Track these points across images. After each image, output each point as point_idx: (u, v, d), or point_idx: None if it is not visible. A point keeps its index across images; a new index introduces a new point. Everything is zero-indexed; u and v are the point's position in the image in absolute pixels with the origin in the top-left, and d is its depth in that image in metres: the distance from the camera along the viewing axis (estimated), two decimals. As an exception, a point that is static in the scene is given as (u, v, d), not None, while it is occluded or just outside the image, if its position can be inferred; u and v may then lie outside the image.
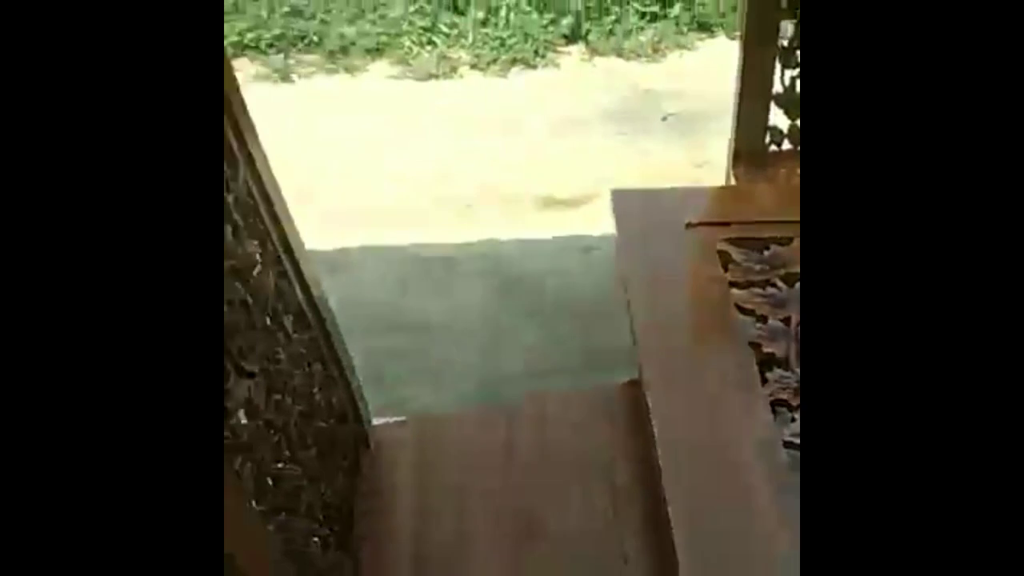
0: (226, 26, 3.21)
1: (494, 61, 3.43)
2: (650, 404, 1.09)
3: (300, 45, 3.42)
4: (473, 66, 3.48)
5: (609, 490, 1.04)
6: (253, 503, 0.73)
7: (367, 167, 2.84)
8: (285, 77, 3.30)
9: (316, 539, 0.87)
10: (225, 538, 0.63)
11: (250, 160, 0.85)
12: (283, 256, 0.91)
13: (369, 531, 0.99)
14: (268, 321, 0.84)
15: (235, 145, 0.83)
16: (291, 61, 3.36)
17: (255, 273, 0.83)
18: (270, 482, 0.77)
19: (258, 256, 0.85)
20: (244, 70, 3.34)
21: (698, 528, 0.81)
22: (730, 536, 0.79)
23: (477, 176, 2.80)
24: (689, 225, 1.11)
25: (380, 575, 0.95)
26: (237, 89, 0.83)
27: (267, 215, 0.88)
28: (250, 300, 0.80)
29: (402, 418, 1.25)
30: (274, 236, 0.89)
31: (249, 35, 3.42)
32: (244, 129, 0.84)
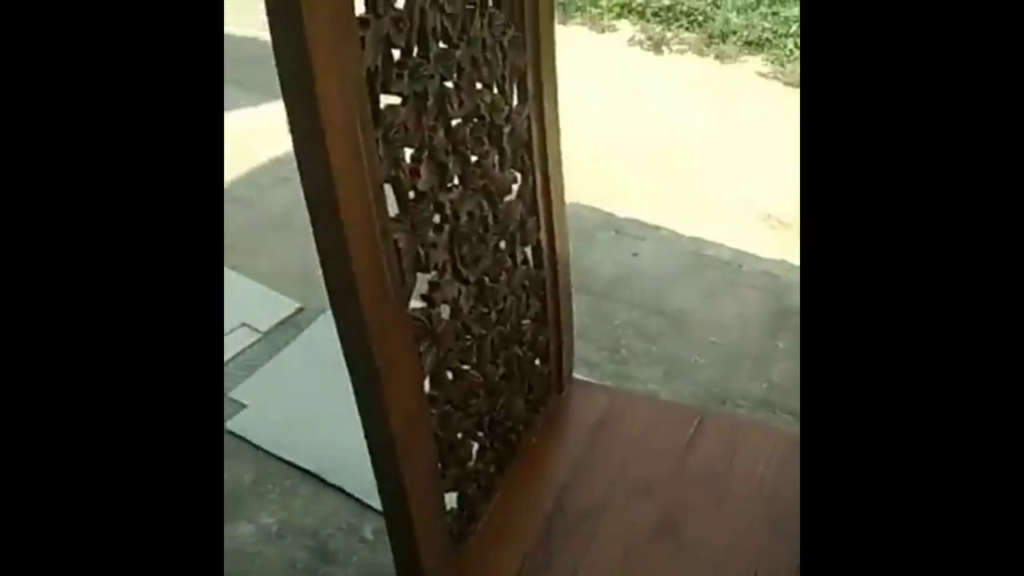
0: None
1: (875, 88, 3.19)
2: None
3: (683, 21, 3.48)
4: (850, 87, 3.27)
5: (766, 527, 1.00)
6: (426, 384, 0.84)
7: (698, 158, 2.84)
8: (657, 48, 3.38)
9: (474, 444, 0.96)
10: (383, 397, 0.74)
11: (539, 101, 0.93)
12: (539, 197, 0.99)
13: (526, 466, 1.06)
14: (502, 244, 0.93)
15: (531, 84, 0.91)
16: (668, 34, 3.44)
17: (506, 200, 0.92)
18: (448, 375, 0.87)
19: (515, 187, 0.93)
20: (622, 31, 3.49)
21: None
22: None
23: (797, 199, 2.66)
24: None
25: (515, 508, 1.02)
26: (551, 32, 0.92)
27: (538, 154, 0.96)
28: (491, 220, 0.89)
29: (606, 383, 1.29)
30: (538, 175, 0.97)
31: (637, 0, 3.55)
32: (544, 71, 0.92)
